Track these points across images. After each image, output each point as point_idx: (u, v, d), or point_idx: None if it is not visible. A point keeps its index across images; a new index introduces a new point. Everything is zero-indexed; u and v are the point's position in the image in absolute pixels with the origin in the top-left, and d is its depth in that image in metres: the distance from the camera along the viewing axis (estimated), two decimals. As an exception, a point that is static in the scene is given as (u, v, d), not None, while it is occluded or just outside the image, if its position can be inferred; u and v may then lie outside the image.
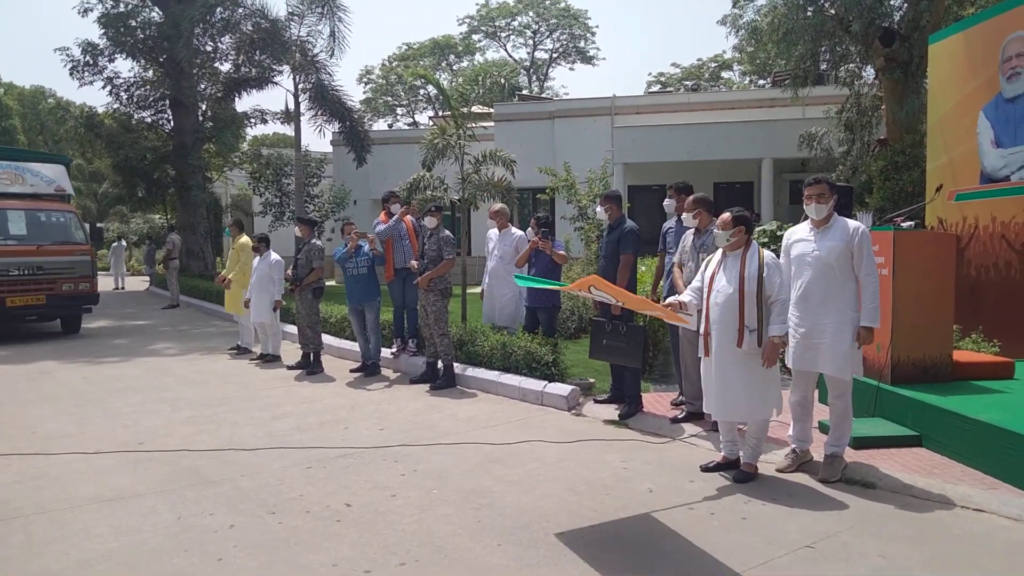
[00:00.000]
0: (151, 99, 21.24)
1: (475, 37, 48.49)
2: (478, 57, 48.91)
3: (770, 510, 4.17)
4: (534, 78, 49.28)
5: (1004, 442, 4.40)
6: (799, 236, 4.72)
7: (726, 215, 4.67)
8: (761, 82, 35.75)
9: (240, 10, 19.16)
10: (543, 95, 42.63)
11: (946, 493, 4.28)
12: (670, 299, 4.95)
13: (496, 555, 3.64)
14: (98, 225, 14.78)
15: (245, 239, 10.63)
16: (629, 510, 4.21)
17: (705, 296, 4.68)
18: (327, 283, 11.51)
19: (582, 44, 48.11)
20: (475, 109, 12.51)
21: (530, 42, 48.69)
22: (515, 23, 47.94)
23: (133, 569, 3.56)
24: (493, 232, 8.36)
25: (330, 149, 25.01)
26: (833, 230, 4.54)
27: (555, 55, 49.21)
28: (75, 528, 4.06)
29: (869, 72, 15.26)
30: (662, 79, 47.30)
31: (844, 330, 4.45)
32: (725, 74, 45.58)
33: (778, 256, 4.77)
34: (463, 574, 3.46)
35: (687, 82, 45.99)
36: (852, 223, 4.53)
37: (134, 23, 20.42)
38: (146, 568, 3.57)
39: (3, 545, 3.85)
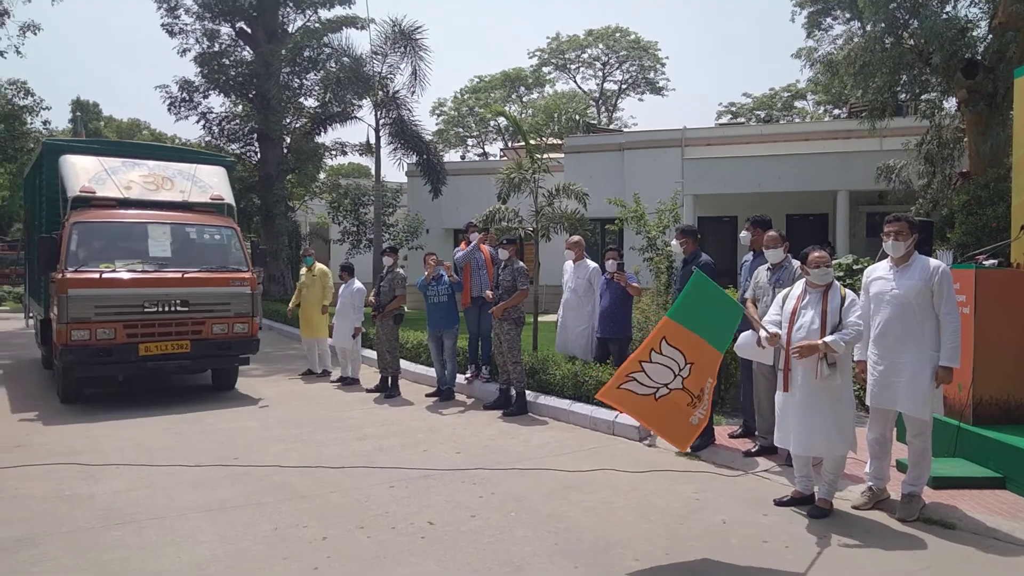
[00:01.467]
0: (240, 132, 22.43)
1: (545, 69, 49.28)
2: (548, 89, 49.64)
3: (847, 549, 4.19)
4: (603, 109, 49.64)
5: (1093, 487, 4.31)
6: (879, 274, 4.77)
7: (823, 253, 4.74)
8: (836, 112, 35.14)
9: (327, 49, 20.14)
10: (612, 126, 42.90)
11: (1031, 537, 4.21)
12: (774, 331, 4.92)
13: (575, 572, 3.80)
14: (261, 247, 10.35)
15: (323, 267, 11.13)
16: (703, 541, 4.30)
17: (786, 331, 4.75)
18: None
19: (651, 75, 48.28)
20: (548, 142, 12.83)
21: (599, 74, 49.18)
22: (585, 55, 48.53)
23: (239, 573, 3.87)
24: (568, 264, 8.58)
25: (405, 179, 25.80)
26: (913, 268, 4.57)
27: (624, 86, 49.53)
28: (184, 534, 4.42)
29: (950, 104, 14.91)
30: (733, 109, 46.98)
31: (923, 369, 4.47)
32: (798, 104, 44.94)
33: (858, 293, 4.83)
34: None
35: (759, 112, 45.56)
36: (933, 262, 4.56)
37: (227, 62, 21.70)
38: (250, 573, 3.87)
39: (121, 547, 4.23)
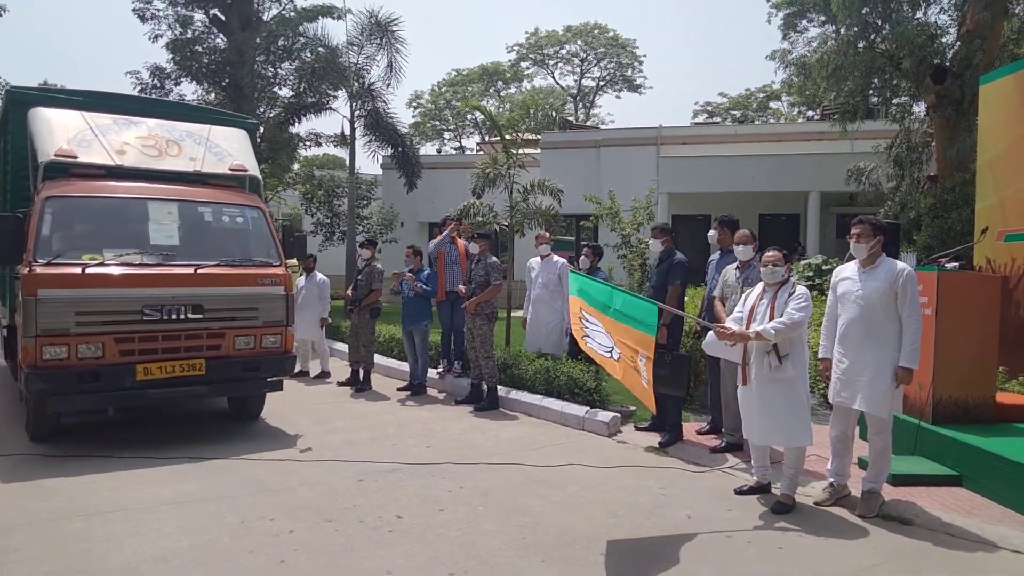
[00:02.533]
0: (213, 121, 22.10)
1: (523, 64, 49.23)
2: (526, 84, 49.63)
3: (807, 541, 4.29)
4: (580, 106, 49.74)
5: (1045, 485, 4.44)
6: (846, 275, 4.87)
7: (775, 253, 4.87)
8: (810, 113, 35.56)
9: (302, 39, 19.94)
10: (589, 123, 43.02)
11: (984, 533, 4.33)
12: (720, 324, 5.10)
13: (540, 570, 3.84)
14: (297, 233, 8.24)
15: (291, 261, 11.04)
16: (667, 535, 4.36)
17: (746, 327, 4.85)
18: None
19: (629, 73, 48.46)
20: (524, 137, 12.83)
21: (577, 70, 49.25)
22: (563, 51, 48.56)
23: (203, 566, 3.85)
24: (535, 261, 8.60)
25: (380, 172, 25.66)
26: (879, 270, 4.68)
27: (602, 83, 49.65)
28: (149, 527, 4.38)
29: (920, 108, 15.20)
30: (709, 108, 47.33)
31: (884, 369, 4.57)
32: (773, 104, 45.39)
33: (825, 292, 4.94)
34: None
35: (734, 112, 45.98)
36: (899, 264, 4.66)
37: (200, 49, 21.38)
38: (215, 565, 3.85)
39: (84, 539, 4.18)
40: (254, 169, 7.29)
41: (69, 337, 5.63)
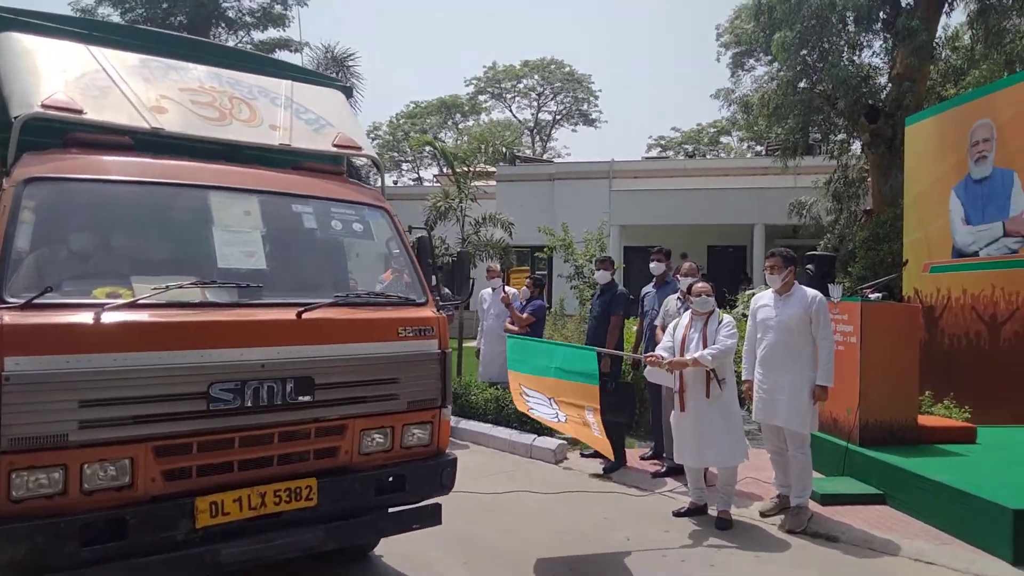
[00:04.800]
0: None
1: (481, 98, 49.94)
2: (484, 117, 50.32)
3: (737, 557, 4.50)
4: (538, 138, 50.58)
5: (958, 501, 4.74)
6: (764, 302, 5.22)
7: (705, 284, 5.20)
8: (758, 148, 36.83)
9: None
10: (546, 155, 43.77)
11: (902, 547, 4.61)
12: (651, 354, 5.38)
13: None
14: (459, 252, 5.18)
15: None
16: (607, 557, 4.53)
17: (678, 355, 5.11)
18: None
19: (585, 107, 49.50)
20: (478, 169, 13.12)
21: (535, 104, 50.13)
22: (520, 85, 49.42)
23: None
24: (487, 292, 8.78)
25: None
26: (793, 298, 5.03)
27: (559, 116, 50.60)
28: None
29: (856, 145, 15.94)
30: (662, 142, 48.54)
31: (802, 388, 4.90)
32: (724, 139, 46.78)
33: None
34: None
35: (687, 146, 47.25)
36: (810, 292, 5.03)
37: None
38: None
39: None
40: (367, 148, 4.51)
41: (66, 452, 2.81)
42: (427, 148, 47.06)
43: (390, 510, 3.67)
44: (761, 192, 19.04)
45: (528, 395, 4.97)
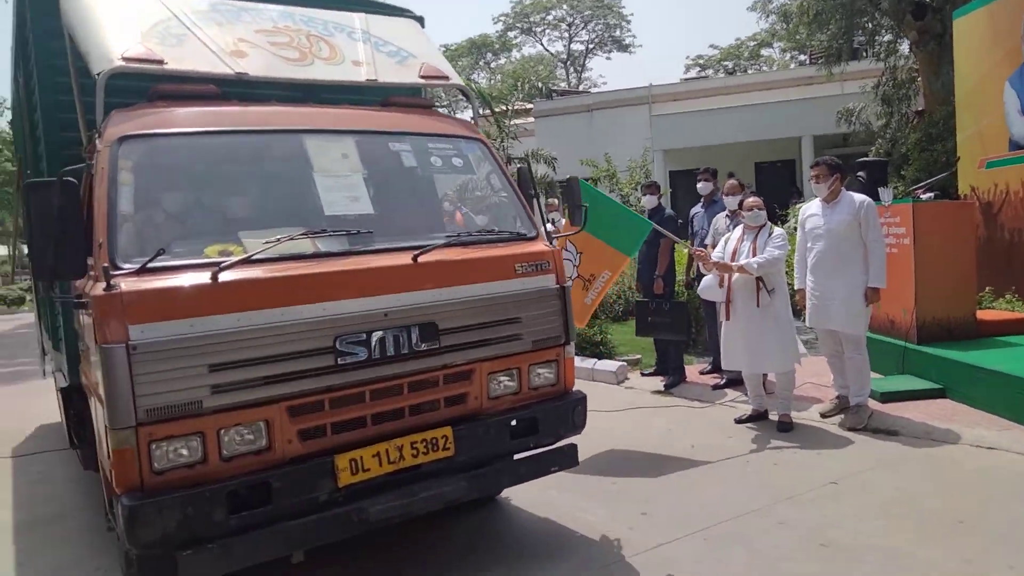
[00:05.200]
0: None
1: (511, 34, 49.03)
2: (515, 54, 49.51)
3: (800, 456, 4.72)
4: (572, 70, 49.62)
5: (1017, 388, 4.84)
6: (812, 211, 5.29)
7: (756, 199, 5.31)
8: (801, 58, 35.49)
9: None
10: (581, 87, 42.98)
11: (962, 435, 4.75)
12: (698, 248, 5.54)
13: (564, 496, 4.26)
14: (568, 179, 4.26)
15: None
16: (673, 463, 4.79)
17: None
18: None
19: (617, 33, 48.20)
20: (516, 107, 13.13)
21: (566, 35, 49.02)
22: (549, 17, 48.29)
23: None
24: (548, 228, 8.97)
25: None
26: (841, 204, 5.09)
27: (591, 46, 49.43)
28: None
29: (903, 45, 15.34)
30: (701, 62, 47.09)
31: (855, 291, 5.01)
32: (765, 52, 45.13)
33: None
34: (534, 509, 4.11)
35: (726, 63, 45.77)
36: (858, 197, 5.09)
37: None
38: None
39: None
40: (454, 77, 4.19)
41: (202, 419, 2.73)
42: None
43: (526, 454, 3.53)
44: (807, 103, 18.55)
45: (565, 251, 5.18)
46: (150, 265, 2.72)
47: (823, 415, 5.39)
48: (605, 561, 3.52)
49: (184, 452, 2.70)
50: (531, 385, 3.55)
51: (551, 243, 3.70)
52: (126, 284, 2.66)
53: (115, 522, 2.95)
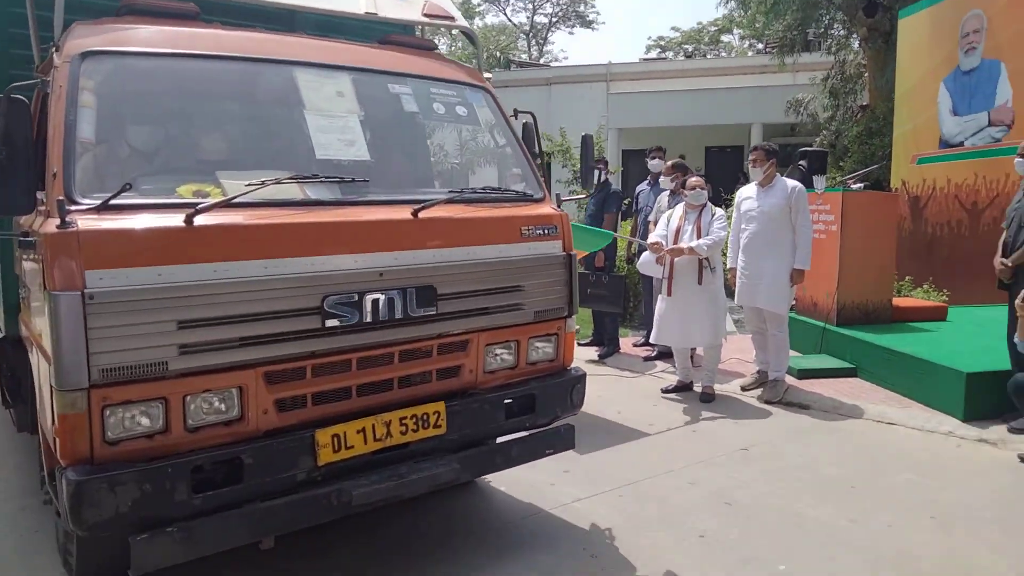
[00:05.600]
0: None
1: (475, 1, 48.47)
2: (477, 21, 48.94)
3: (717, 424, 5.00)
4: (534, 42, 49.36)
5: (919, 369, 5.20)
6: (747, 194, 5.54)
7: (699, 179, 5.53)
8: (759, 46, 36.03)
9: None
10: (542, 60, 42.85)
11: (866, 411, 5.10)
12: (654, 241, 5.65)
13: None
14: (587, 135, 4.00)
15: None
16: (599, 428, 5.02)
17: (671, 244, 5.47)
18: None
19: (581, 8, 48.07)
20: (474, 77, 13.06)
21: (530, 6, 48.67)
22: (515, -14, 47.88)
23: None
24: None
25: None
26: (775, 189, 5.34)
27: (555, 19, 49.19)
28: None
29: (855, 40, 15.78)
30: (662, 43, 47.35)
31: (781, 272, 5.29)
32: (726, 38, 45.61)
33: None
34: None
35: (687, 46, 46.14)
36: (790, 182, 5.36)
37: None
38: None
39: None
40: (462, 19, 3.84)
41: (166, 383, 2.38)
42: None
43: (520, 434, 3.24)
44: (759, 91, 18.91)
45: None
46: (113, 202, 2.33)
47: (743, 388, 5.70)
48: (525, 513, 3.71)
49: (143, 420, 2.35)
50: (529, 360, 3.28)
51: (559, 206, 3.42)
52: (84, 222, 2.26)
53: (55, 497, 2.62)
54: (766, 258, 5.32)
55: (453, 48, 40.53)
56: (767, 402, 5.40)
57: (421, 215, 2.87)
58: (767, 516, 3.60)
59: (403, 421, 2.82)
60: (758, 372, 5.74)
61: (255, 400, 2.53)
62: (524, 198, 3.35)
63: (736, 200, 5.66)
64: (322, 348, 2.63)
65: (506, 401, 3.15)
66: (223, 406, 2.49)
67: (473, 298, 3.03)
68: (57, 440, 2.31)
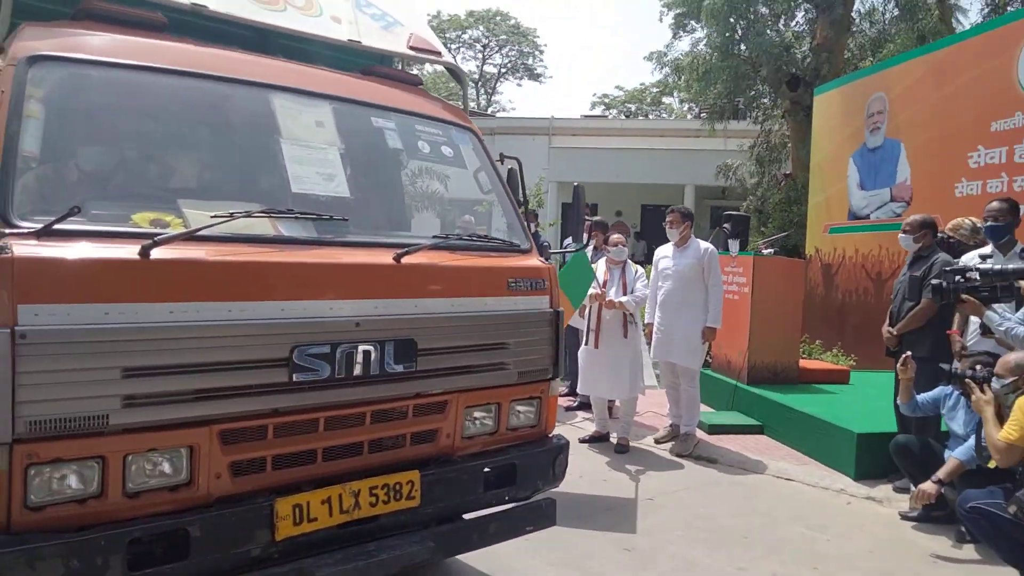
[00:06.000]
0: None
1: (426, 48, 49.31)
2: (427, 67, 49.76)
3: (627, 474, 5.20)
4: (483, 91, 50.42)
5: (817, 428, 5.53)
6: (664, 253, 5.88)
7: (618, 236, 5.86)
8: (697, 110, 37.76)
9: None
10: (490, 109, 43.80)
11: (768, 466, 5.38)
12: (600, 293, 5.68)
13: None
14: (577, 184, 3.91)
15: None
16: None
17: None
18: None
19: (530, 61, 49.47)
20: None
21: (480, 55, 49.84)
22: (465, 36, 48.99)
23: None
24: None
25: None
26: (689, 249, 5.69)
27: (504, 70, 50.47)
28: None
29: (779, 111, 16.79)
30: (606, 100, 48.99)
31: (694, 329, 5.59)
32: (667, 99, 47.52)
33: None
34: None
35: (630, 105, 47.86)
36: (703, 244, 5.72)
37: None
38: None
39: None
40: (448, 55, 3.76)
41: (104, 439, 2.08)
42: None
43: (497, 509, 2.96)
44: (693, 154, 19.85)
45: None
46: (57, 227, 2.04)
47: (657, 440, 5.93)
48: None
49: (74, 482, 2.02)
50: (510, 425, 3.01)
51: (546, 259, 3.22)
52: (20, 248, 1.97)
53: None
54: (680, 315, 5.62)
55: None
56: (678, 455, 5.64)
57: (404, 260, 2.63)
58: (662, 561, 3.80)
59: (373, 491, 2.52)
60: (671, 426, 5.99)
61: (207, 462, 2.21)
62: (511, 248, 3.14)
63: (655, 258, 5.98)
64: (287, 405, 2.35)
65: (485, 471, 2.87)
66: (170, 468, 2.17)
67: (455, 355, 2.77)
68: None
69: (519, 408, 3.04)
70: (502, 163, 3.49)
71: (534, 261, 3.12)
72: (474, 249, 3.01)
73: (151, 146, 2.67)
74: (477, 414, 2.90)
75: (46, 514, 1.98)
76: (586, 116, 32.08)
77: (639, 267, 5.84)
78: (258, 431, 2.32)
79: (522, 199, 3.46)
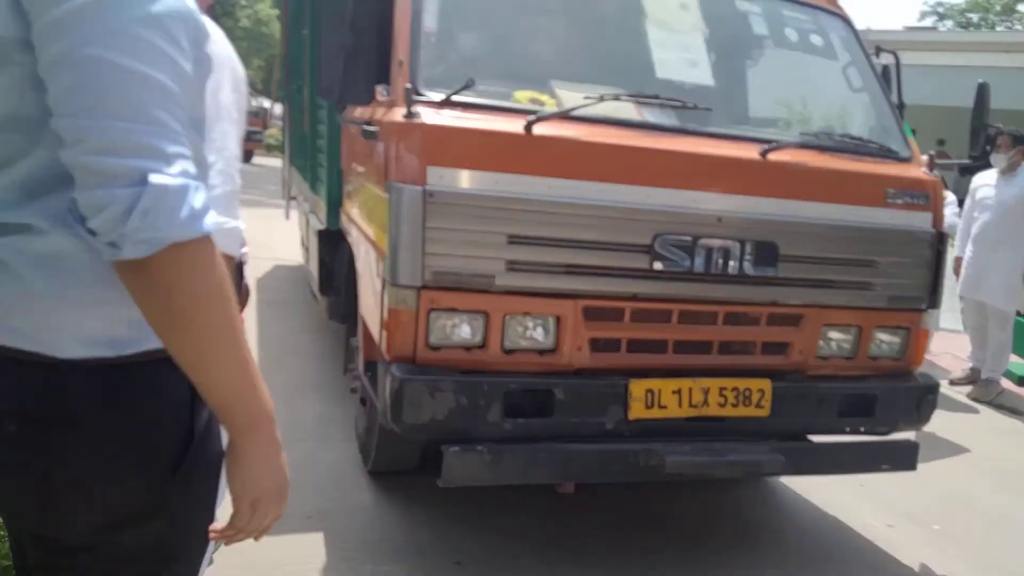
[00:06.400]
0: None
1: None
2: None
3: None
4: None
5: None
6: (984, 181, 5.32)
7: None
8: None
9: None
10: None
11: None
12: None
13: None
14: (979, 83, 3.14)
15: None
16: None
17: None
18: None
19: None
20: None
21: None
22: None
23: None
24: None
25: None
26: (1018, 178, 5.11)
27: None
28: None
29: None
30: (940, 9, 42.29)
31: (1013, 267, 5.10)
32: (1022, 7, 39.69)
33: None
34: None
35: (971, 14, 40.87)
36: None
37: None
38: None
39: None
40: None
41: (490, 297, 2.27)
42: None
43: (851, 439, 2.80)
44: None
45: None
46: (456, 98, 2.23)
47: (951, 382, 5.51)
48: (830, 529, 3.21)
49: (464, 331, 2.26)
50: (870, 353, 2.77)
51: (932, 171, 2.86)
52: (428, 115, 2.19)
53: (367, 389, 2.74)
54: (997, 251, 5.13)
55: None
56: (975, 400, 5.26)
57: (770, 157, 2.49)
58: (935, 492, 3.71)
59: (723, 392, 2.47)
60: (971, 369, 5.55)
61: (572, 333, 2.34)
62: (889, 154, 2.82)
63: (972, 186, 5.45)
64: (645, 291, 2.39)
65: (843, 394, 2.69)
66: (540, 333, 2.33)
67: (818, 266, 2.58)
68: (384, 333, 2.30)
69: (882, 337, 2.78)
70: (877, 56, 3.20)
71: (917, 172, 2.81)
72: (847, 151, 2.74)
73: (525, 28, 2.79)
74: (834, 334, 2.70)
75: (441, 355, 2.25)
76: (909, 28, 28.08)
77: (950, 194, 5.34)
78: (616, 313, 2.40)
79: (899, 101, 3.09)
